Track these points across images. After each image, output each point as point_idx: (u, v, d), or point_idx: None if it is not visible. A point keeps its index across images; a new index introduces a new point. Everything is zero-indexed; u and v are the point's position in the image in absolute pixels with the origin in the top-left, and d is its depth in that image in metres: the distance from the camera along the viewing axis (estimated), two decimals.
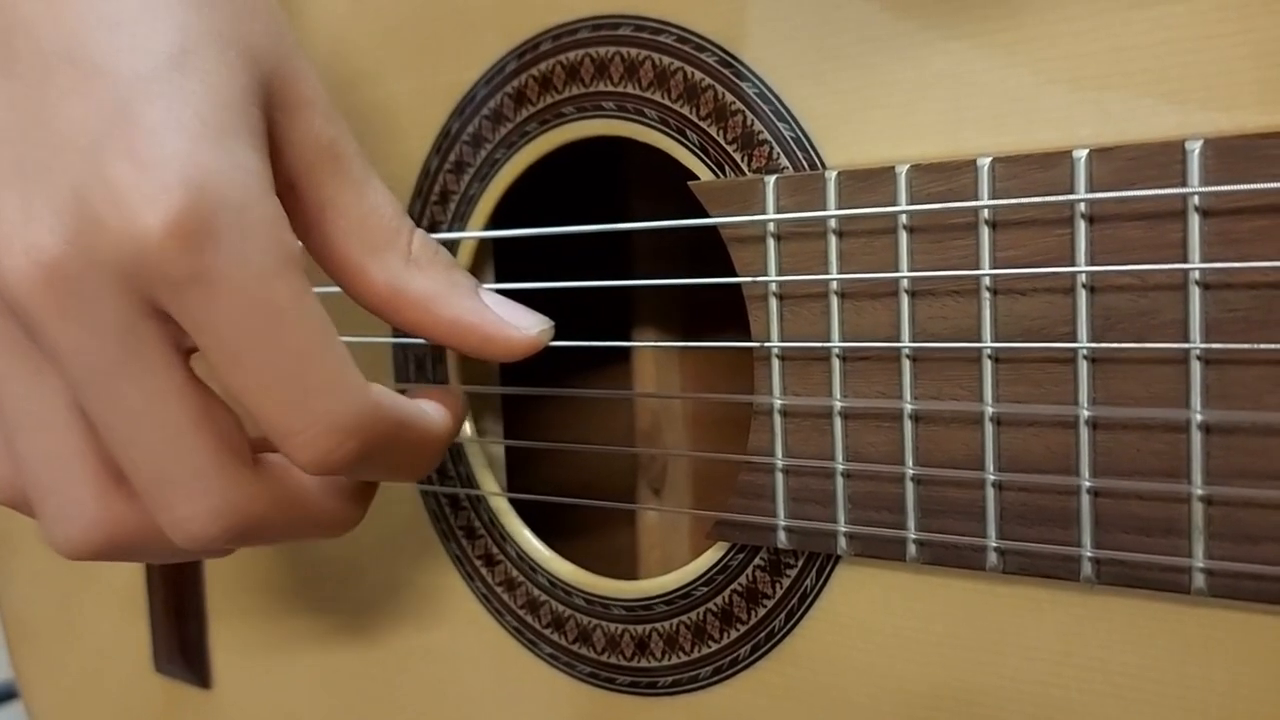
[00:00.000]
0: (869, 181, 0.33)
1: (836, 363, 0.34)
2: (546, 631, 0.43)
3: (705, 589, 0.39)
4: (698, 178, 0.37)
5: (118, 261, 0.27)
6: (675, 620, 0.40)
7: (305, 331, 0.29)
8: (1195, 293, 0.29)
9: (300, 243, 0.30)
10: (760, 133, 0.36)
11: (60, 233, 0.28)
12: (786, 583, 0.37)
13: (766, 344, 0.35)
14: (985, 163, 0.31)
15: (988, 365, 0.32)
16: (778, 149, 0.35)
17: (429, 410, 0.33)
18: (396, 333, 0.46)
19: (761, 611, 0.37)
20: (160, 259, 0.27)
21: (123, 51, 0.28)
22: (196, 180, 0.27)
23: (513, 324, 0.35)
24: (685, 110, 0.38)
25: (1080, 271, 0.30)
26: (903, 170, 0.32)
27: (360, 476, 0.33)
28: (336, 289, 0.34)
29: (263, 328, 0.28)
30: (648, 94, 0.38)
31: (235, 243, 0.27)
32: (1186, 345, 0.29)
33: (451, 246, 0.44)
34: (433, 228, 0.45)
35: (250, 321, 0.28)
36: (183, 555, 0.34)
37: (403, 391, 0.35)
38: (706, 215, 0.36)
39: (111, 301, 0.28)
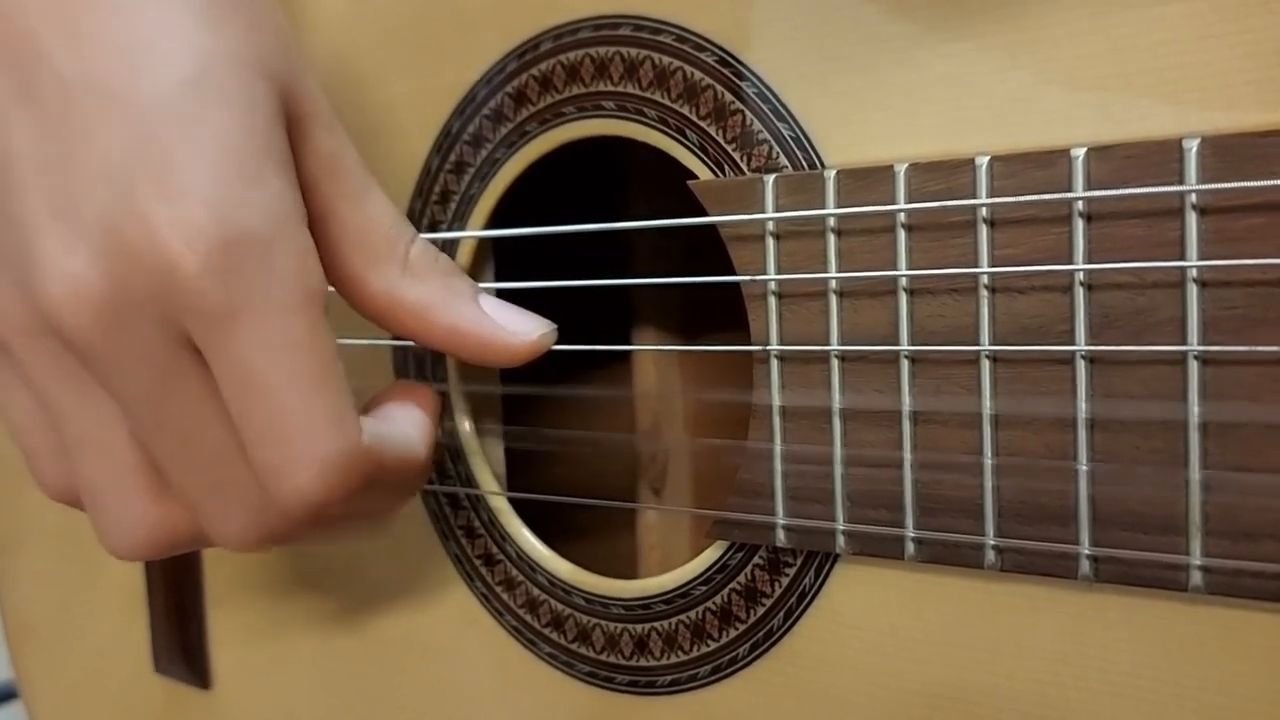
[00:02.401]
0: (868, 180, 0.33)
1: (835, 362, 0.34)
2: (546, 631, 0.43)
3: (704, 588, 0.39)
4: (697, 177, 0.38)
5: (153, 294, 0.28)
6: (674, 619, 0.40)
7: (312, 369, 0.29)
8: (1193, 290, 0.29)
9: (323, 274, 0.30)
10: (759, 132, 0.36)
11: (99, 266, 0.28)
12: (785, 581, 0.37)
13: (766, 347, 0.36)
14: (983, 161, 0.31)
15: (986, 364, 0.32)
16: (777, 148, 0.36)
17: (414, 439, 0.34)
18: (396, 335, 0.46)
19: (760, 610, 0.37)
20: (191, 292, 0.28)
21: (143, 80, 0.28)
22: (225, 213, 0.27)
23: (511, 329, 0.35)
24: (685, 110, 0.38)
25: (1078, 270, 0.30)
26: (901, 169, 0.32)
27: (345, 510, 0.32)
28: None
29: (273, 359, 0.29)
30: (647, 94, 0.39)
31: (260, 274, 0.28)
32: (1184, 348, 0.29)
33: (451, 246, 0.44)
34: (433, 227, 0.45)
35: (262, 351, 0.29)
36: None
37: (377, 395, 0.35)
38: (706, 214, 0.36)
39: (150, 332, 0.28)
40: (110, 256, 0.28)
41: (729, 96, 0.37)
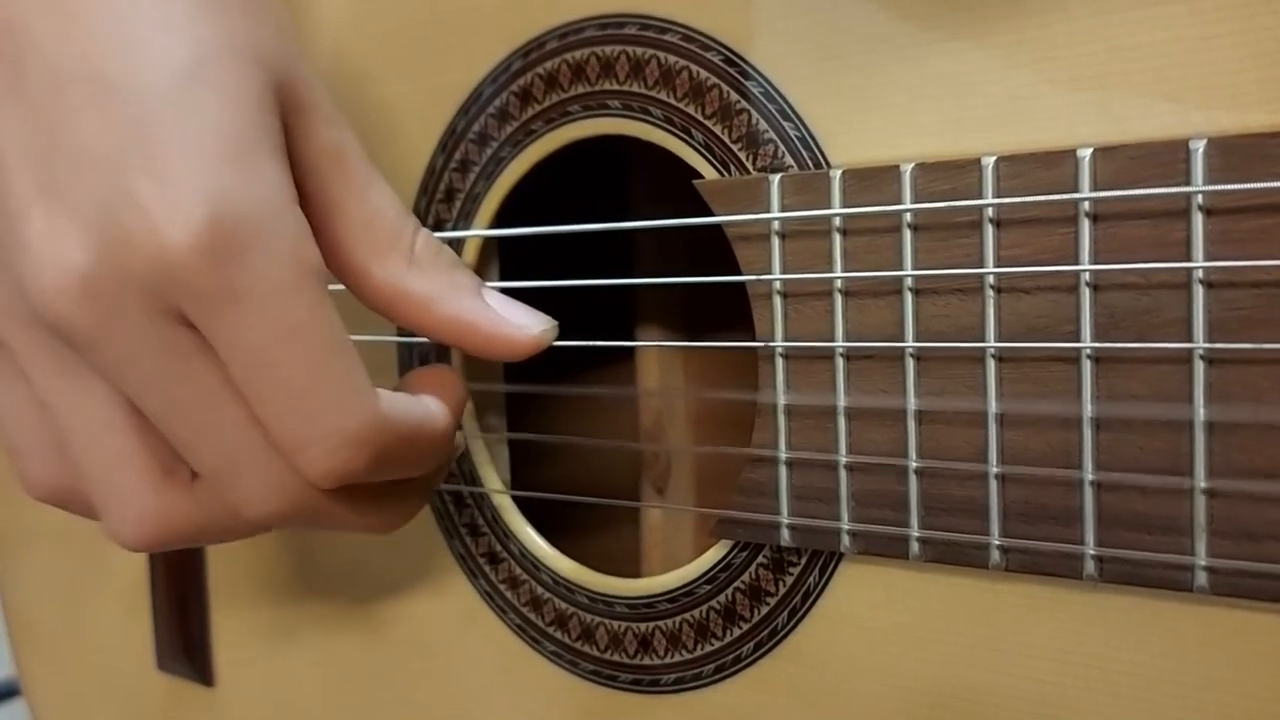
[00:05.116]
0: (873, 180, 0.33)
1: (840, 361, 0.34)
2: (549, 629, 0.43)
3: (708, 587, 0.39)
4: (703, 176, 0.38)
5: (146, 276, 0.28)
6: (678, 618, 0.40)
7: (320, 345, 0.29)
8: (1198, 291, 0.29)
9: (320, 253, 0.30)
10: (765, 131, 0.36)
11: (90, 250, 0.28)
12: (789, 580, 0.37)
13: (771, 344, 0.36)
14: (989, 161, 0.31)
15: (991, 364, 0.32)
16: (782, 148, 0.36)
17: (434, 409, 0.34)
18: (402, 330, 0.46)
19: (764, 609, 0.38)
20: (185, 274, 0.28)
21: (138, 68, 0.28)
22: (218, 196, 0.27)
23: (514, 323, 0.35)
24: (690, 109, 0.38)
25: (1084, 270, 0.30)
26: (907, 169, 0.32)
27: (373, 480, 0.33)
28: (342, 286, 0.34)
29: (280, 341, 0.29)
30: (653, 93, 0.39)
31: (256, 258, 0.28)
32: (1190, 345, 0.29)
33: (456, 245, 0.44)
34: (438, 226, 0.45)
35: (268, 334, 0.29)
36: (239, 533, 0.34)
37: (399, 382, 0.35)
38: (711, 214, 0.36)
39: (144, 313, 0.29)
40: (100, 240, 0.28)
41: (734, 96, 0.37)
